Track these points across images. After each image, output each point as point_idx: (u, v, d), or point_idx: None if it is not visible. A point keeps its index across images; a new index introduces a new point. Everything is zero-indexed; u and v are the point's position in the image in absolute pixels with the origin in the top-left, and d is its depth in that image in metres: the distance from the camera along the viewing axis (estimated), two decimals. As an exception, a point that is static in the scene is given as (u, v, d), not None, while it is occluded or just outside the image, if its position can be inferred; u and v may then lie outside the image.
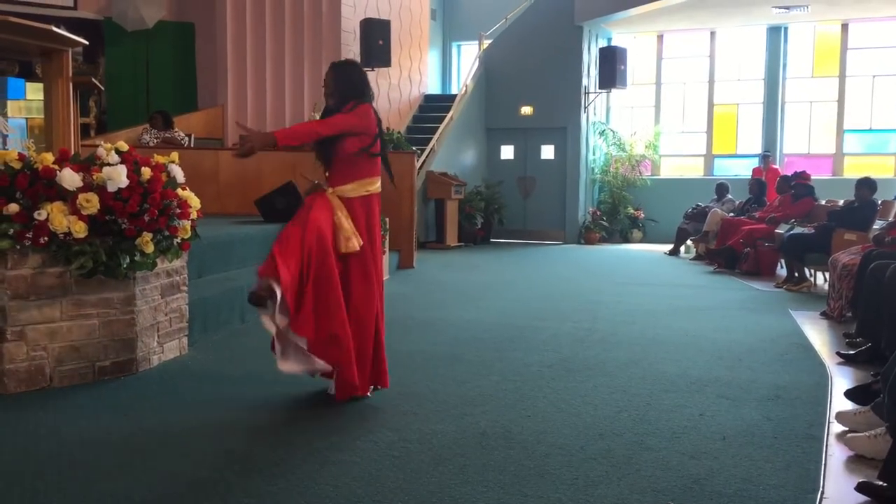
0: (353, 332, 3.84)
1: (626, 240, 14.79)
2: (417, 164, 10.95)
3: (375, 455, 3.17)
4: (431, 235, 12.90)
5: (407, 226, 9.64)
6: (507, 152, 15.36)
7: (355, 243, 3.89)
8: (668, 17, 14.06)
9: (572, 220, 14.76)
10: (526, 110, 14.87)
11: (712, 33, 14.97)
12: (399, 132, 12.66)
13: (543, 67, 14.57)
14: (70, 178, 3.98)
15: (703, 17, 14.25)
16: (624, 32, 15.27)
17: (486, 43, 15.27)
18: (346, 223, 3.92)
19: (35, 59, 5.39)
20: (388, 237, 8.62)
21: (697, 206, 12.41)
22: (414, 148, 11.70)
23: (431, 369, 4.66)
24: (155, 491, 2.77)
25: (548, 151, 15.06)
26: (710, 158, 15.24)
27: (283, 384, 4.19)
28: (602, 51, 14.60)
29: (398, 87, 14.61)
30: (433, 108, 15.04)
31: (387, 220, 8.61)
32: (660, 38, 15.40)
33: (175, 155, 4.75)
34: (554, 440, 3.39)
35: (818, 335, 5.89)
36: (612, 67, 14.23)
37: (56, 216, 3.95)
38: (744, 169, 14.47)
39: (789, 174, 10.99)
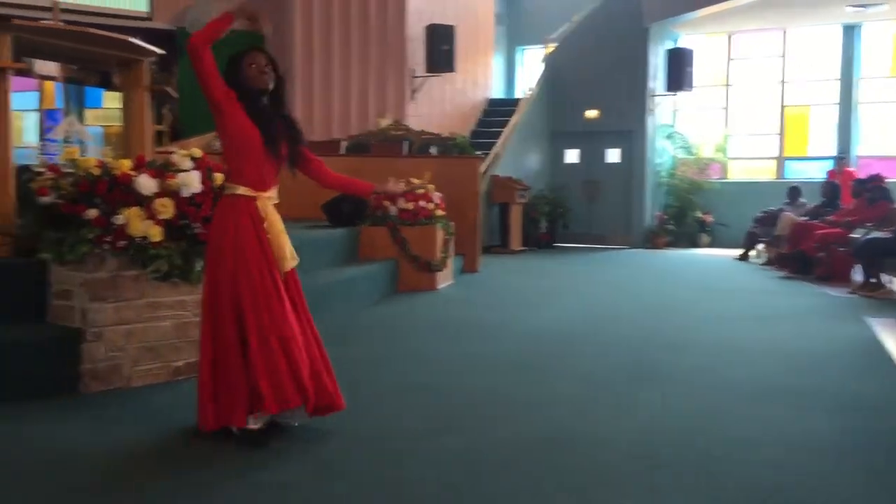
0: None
1: (694, 244, 14.53)
2: (482, 169, 10.96)
3: (443, 458, 3.18)
4: (496, 240, 12.89)
5: (471, 230, 9.65)
6: (571, 156, 15.26)
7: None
8: (738, 17, 13.79)
9: (638, 224, 14.58)
10: (591, 114, 14.75)
11: (784, 33, 14.62)
12: (464, 136, 12.67)
13: (609, 70, 14.44)
14: (147, 184, 4.10)
15: (774, 17, 13.94)
16: (692, 34, 15.03)
17: (551, 46, 15.20)
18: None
19: (113, 69, 5.57)
20: (452, 241, 8.66)
21: (768, 209, 12.12)
22: (478, 152, 11.70)
23: (496, 374, 4.66)
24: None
25: (613, 155, 14.92)
26: (781, 161, 14.88)
27: (350, 389, 4.24)
28: (670, 52, 14.41)
29: (463, 92, 14.65)
30: (497, 112, 15.04)
31: (452, 223, 8.66)
32: (729, 38, 15.11)
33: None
34: (619, 447, 3.35)
35: (897, 343, 5.70)
36: (679, 69, 14.04)
37: (133, 221, 4.08)
38: (816, 172, 14.07)
39: (864, 177, 10.65)
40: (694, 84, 14.28)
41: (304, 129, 12.61)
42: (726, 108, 15.20)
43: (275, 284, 3.37)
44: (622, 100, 14.42)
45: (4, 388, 3.81)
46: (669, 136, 15.05)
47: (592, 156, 15.07)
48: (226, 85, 3.39)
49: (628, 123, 14.48)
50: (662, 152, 15.04)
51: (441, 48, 12.77)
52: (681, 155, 15.03)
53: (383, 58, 13.01)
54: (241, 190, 3.40)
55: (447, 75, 13.46)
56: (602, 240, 14.79)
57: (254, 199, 3.41)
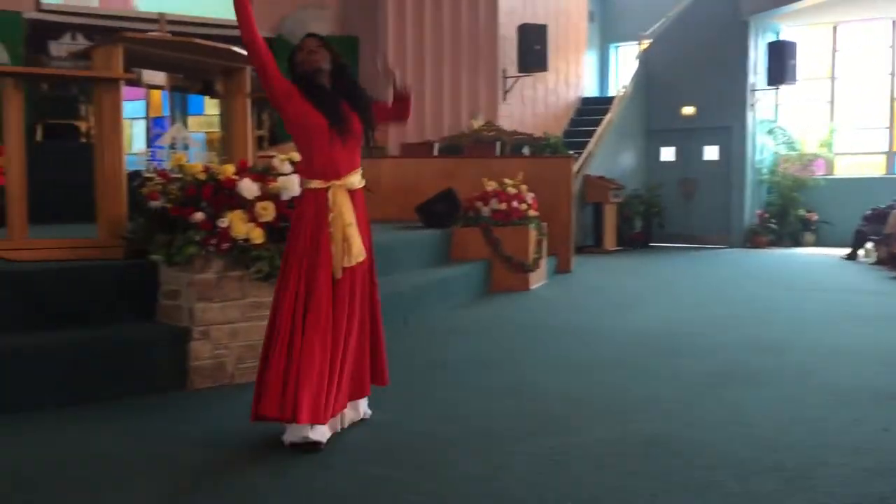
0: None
1: (797, 243, 14.03)
2: (575, 169, 10.86)
3: (538, 459, 3.18)
4: (589, 240, 12.76)
5: (564, 230, 9.58)
6: (667, 154, 14.96)
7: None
8: (844, 6, 13.26)
9: (738, 222, 14.17)
10: (688, 110, 14.42)
11: (892, 23, 13.95)
12: (556, 136, 12.60)
13: (706, 65, 14.08)
14: (249, 187, 4.24)
15: (883, 6, 13.33)
16: (794, 25, 14.51)
17: (646, 43, 14.94)
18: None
19: (216, 77, 5.78)
20: (545, 241, 8.62)
21: (877, 206, 11.58)
22: (571, 152, 11.61)
23: (592, 375, 4.62)
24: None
25: (711, 152, 14.55)
26: (891, 156, 14.20)
27: (444, 389, 4.28)
28: (770, 45, 13.95)
29: (555, 92, 14.56)
30: (591, 111, 14.89)
31: (545, 224, 8.62)
32: (834, 29, 14.52)
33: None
34: (721, 451, 3.27)
35: None
36: (781, 62, 13.58)
37: (236, 223, 4.22)
38: (931, 166, 13.37)
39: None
40: (797, 77, 13.78)
41: (398, 132, 12.91)
42: (832, 102, 14.61)
43: (313, 285, 3.27)
44: (720, 95, 14.04)
45: (117, 384, 4.01)
46: (771, 132, 14.57)
47: (689, 153, 14.73)
48: (283, 78, 3.37)
49: (727, 119, 14.09)
50: (763, 148, 14.57)
51: (533, 48, 12.72)
52: (783, 151, 14.53)
53: (475, 59, 13.06)
54: (314, 184, 3.35)
55: (539, 75, 13.41)
56: (699, 239, 14.44)
57: (325, 189, 3.33)
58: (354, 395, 3.55)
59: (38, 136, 10.78)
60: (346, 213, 3.33)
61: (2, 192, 4.58)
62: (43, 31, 12.79)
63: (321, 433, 3.24)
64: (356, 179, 3.43)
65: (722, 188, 14.32)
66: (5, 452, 3.23)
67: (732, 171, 14.20)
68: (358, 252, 3.35)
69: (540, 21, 13.36)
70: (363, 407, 3.65)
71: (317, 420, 3.19)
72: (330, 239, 3.30)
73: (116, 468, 3.07)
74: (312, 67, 3.38)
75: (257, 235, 4.26)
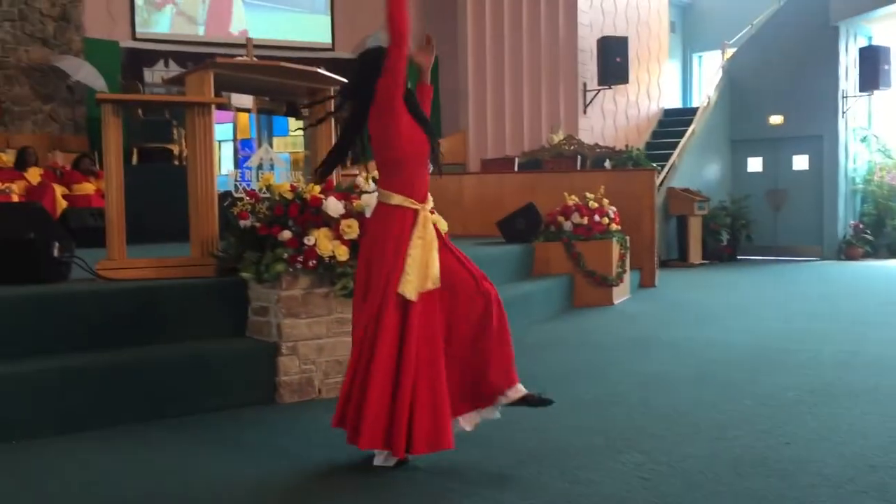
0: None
1: (895, 255, 13.45)
2: (658, 181, 10.70)
3: (624, 476, 3.13)
4: (673, 253, 12.52)
5: (648, 244, 9.43)
6: (754, 164, 14.58)
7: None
8: (940, 8, 12.70)
9: (830, 234, 13.68)
10: (776, 119, 14.04)
11: None
12: (638, 148, 12.46)
13: (795, 73, 13.69)
14: (334, 206, 4.33)
15: (983, 5, 12.72)
16: (887, 29, 13.97)
17: (730, 52, 14.64)
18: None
19: (302, 98, 5.93)
20: (628, 255, 8.51)
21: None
22: (654, 164, 11.45)
23: (678, 391, 4.53)
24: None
25: (801, 162, 14.11)
26: None
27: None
28: (862, 51, 13.48)
29: (636, 104, 14.40)
30: (673, 122, 14.66)
31: (627, 238, 8.51)
32: (931, 31, 13.93)
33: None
34: (818, 470, 3.16)
35: None
36: (874, 68, 13.10)
37: (322, 241, 4.32)
38: None
39: None
40: (891, 83, 13.26)
41: (478, 148, 13.05)
42: (930, 107, 14.01)
43: (382, 309, 3.14)
44: (810, 103, 13.61)
45: (210, 398, 4.14)
46: (864, 140, 14.05)
47: (777, 163, 14.33)
48: None
49: (817, 128, 13.65)
50: (857, 157, 14.06)
51: (614, 60, 12.62)
52: (878, 159, 13.98)
53: (555, 72, 13.04)
54: (406, 202, 3.19)
55: (620, 87, 13.29)
56: (790, 251, 14.00)
57: (414, 210, 3.19)
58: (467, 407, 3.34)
59: (134, 159, 11.25)
60: (433, 240, 3.22)
61: (101, 214, 4.80)
62: (138, 59, 13.39)
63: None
64: (430, 205, 3.33)
65: (813, 198, 13.86)
66: (109, 465, 3.37)
67: (824, 181, 13.73)
68: (435, 278, 3.21)
69: (620, 33, 13.25)
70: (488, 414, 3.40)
71: (432, 449, 3.13)
72: (408, 261, 3.16)
73: (218, 474, 3.16)
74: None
75: (342, 253, 4.35)
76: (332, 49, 14.00)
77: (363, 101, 3.25)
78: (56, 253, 4.52)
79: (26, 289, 4.18)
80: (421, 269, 3.17)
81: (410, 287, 3.13)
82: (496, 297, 3.38)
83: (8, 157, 10.72)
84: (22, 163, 10.39)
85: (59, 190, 9.95)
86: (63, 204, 9.70)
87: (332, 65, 12.48)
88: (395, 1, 3.14)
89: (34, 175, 10.27)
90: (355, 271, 3.40)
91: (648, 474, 3.14)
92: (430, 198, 3.30)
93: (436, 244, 3.23)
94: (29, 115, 12.45)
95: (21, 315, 3.99)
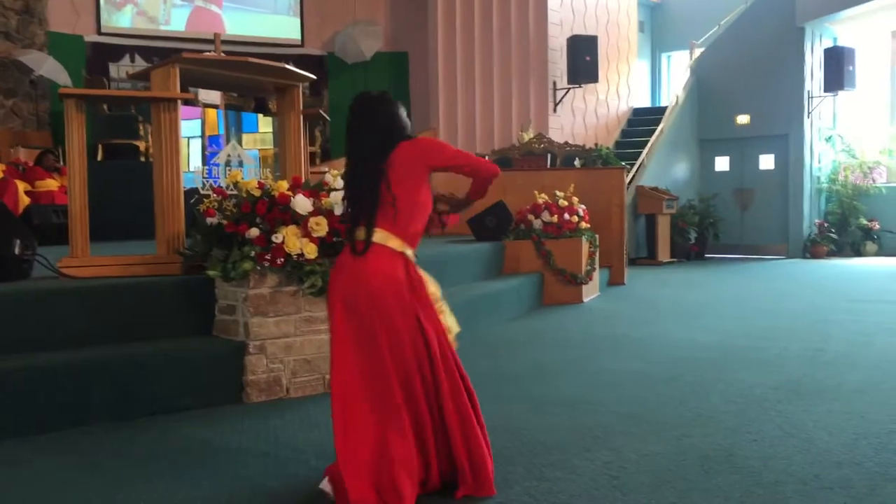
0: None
1: (859, 253, 13.67)
2: (627, 179, 10.76)
3: (592, 474, 3.14)
4: (642, 252, 12.62)
5: (617, 242, 9.49)
6: (722, 164, 14.73)
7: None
8: (903, 10, 12.91)
9: (796, 232, 13.87)
10: (743, 119, 14.20)
11: (957, 24, 13.56)
12: (607, 147, 12.52)
13: (761, 73, 13.85)
14: (302, 203, 4.29)
15: (944, 8, 12.96)
16: (851, 31, 14.18)
17: (698, 51, 14.77)
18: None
19: (270, 94, 5.88)
20: (597, 253, 8.54)
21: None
22: (623, 163, 11.52)
23: (646, 389, 4.55)
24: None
25: (767, 161, 14.28)
26: (956, 162, 13.77)
27: (498, 402, 4.26)
28: (827, 52, 13.67)
29: (605, 103, 14.48)
30: (642, 121, 14.76)
31: (597, 236, 8.55)
32: (893, 35, 14.16)
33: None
34: (784, 467, 3.18)
35: None
36: (838, 69, 13.28)
37: (290, 239, 4.27)
38: None
39: None
40: (856, 84, 13.46)
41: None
42: (892, 108, 14.23)
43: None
44: (776, 103, 13.79)
45: (177, 398, 4.08)
46: (829, 139, 14.25)
47: (744, 162, 14.49)
48: None
49: (783, 127, 13.83)
50: (822, 156, 14.26)
51: (584, 59, 12.66)
52: (843, 159, 14.20)
53: (525, 71, 13.06)
54: (409, 252, 2.97)
55: (590, 86, 13.34)
56: (756, 250, 14.17)
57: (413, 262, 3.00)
58: None
59: (99, 155, 11.09)
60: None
61: (64, 211, 4.71)
62: (103, 54, 13.18)
63: None
64: None
65: (779, 198, 14.04)
66: (69, 465, 3.30)
67: (790, 180, 13.91)
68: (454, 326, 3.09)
69: (590, 32, 13.31)
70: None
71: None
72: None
73: (179, 470, 3.12)
74: None
75: (311, 250, 4.31)
76: (302, 45, 13.90)
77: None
78: (17, 251, 4.43)
79: (-14, 287, 4.10)
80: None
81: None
82: None
83: (-31, 153, 10.51)
84: (-17, 158, 10.18)
85: (21, 186, 9.76)
86: (26, 200, 9.52)
87: (302, 61, 12.41)
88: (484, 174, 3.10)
89: (-4, 171, 10.07)
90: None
91: (616, 472, 3.15)
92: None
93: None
94: (-10, 110, 12.22)
95: (-20, 314, 3.90)
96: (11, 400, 3.64)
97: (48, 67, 12.01)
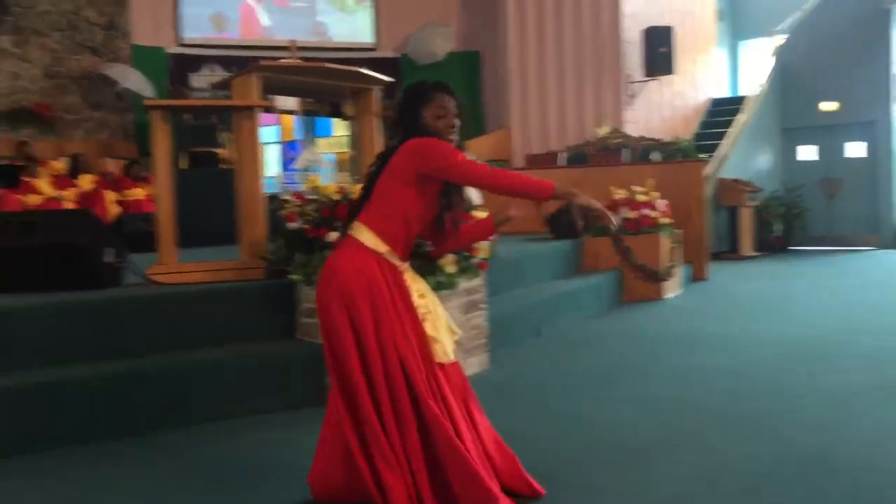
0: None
1: (957, 242, 13.04)
2: (707, 173, 10.49)
3: (684, 477, 3.06)
4: (724, 245, 12.29)
5: (698, 236, 9.27)
6: (807, 153, 14.24)
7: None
8: None
9: (888, 222, 13.30)
10: (828, 106, 13.69)
11: None
12: (686, 140, 12.24)
13: (847, 58, 13.33)
14: (381, 206, 4.30)
15: None
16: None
17: (779, 38, 14.32)
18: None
19: (346, 99, 5.93)
20: (678, 249, 8.36)
21: None
22: (703, 155, 11.24)
23: (735, 387, 4.41)
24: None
25: (855, 149, 13.74)
26: None
27: (580, 401, 4.20)
28: (916, 33, 13.06)
29: (683, 94, 14.15)
30: (721, 112, 14.37)
31: (677, 231, 8.37)
32: None
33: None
34: (888, 470, 3.04)
35: None
36: (928, 50, 12.68)
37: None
38: None
39: None
40: (949, 64, 12.84)
41: (523, 143, 12.88)
42: None
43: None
44: (861, 89, 13.25)
45: (261, 400, 4.15)
46: (921, 124, 13.64)
47: (831, 151, 13.97)
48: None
49: (869, 113, 13.28)
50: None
51: (659, 50, 12.41)
52: (937, 143, 13.57)
53: (599, 65, 12.87)
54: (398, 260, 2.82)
55: (666, 78, 13.07)
56: (844, 241, 13.64)
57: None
58: None
59: (182, 164, 11.41)
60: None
61: (152, 219, 4.85)
62: (183, 65, 13.57)
63: None
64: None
65: (869, 186, 13.49)
66: (159, 466, 3.39)
67: (880, 168, 13.35)
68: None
69: (665, 23, 13.03)
70: None
71: None
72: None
73: (269, 475, 3.17)
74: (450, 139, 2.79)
75: (390, 253, 4.32)
76: (375, 49, 14.03)
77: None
78: (109, 259, 4.58)
79: (81, 295, 4.25)
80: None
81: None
82: None
83: (61, 165, 10.95)
84: (74, 170, 10.59)
85: (110, 196, 10.13)
86: (115, 210, 9.86)
87: (376, 64, 12.50)
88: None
89: (86, 182, 10.46)
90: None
91: (710, 474, 3.06)
92: None
93: None
94: (80, 123, 12.71)
95: (76, 321, 4.05)
96: (107, 403, 3.76)
97: (133, 80, 12.43)
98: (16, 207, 8.83)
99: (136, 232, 8.09)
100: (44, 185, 10.05)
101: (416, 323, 2.76)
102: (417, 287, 2.84)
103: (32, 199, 9.43)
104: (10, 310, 3.97)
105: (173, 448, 3.63)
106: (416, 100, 2.79)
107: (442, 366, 2.79)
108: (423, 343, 2.75)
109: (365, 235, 2.75)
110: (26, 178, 9.53)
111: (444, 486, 2.66)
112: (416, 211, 2.76)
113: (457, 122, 2.78)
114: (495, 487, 2.69)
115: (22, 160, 10.22)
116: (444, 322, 2.86)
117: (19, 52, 12.01)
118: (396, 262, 2.78)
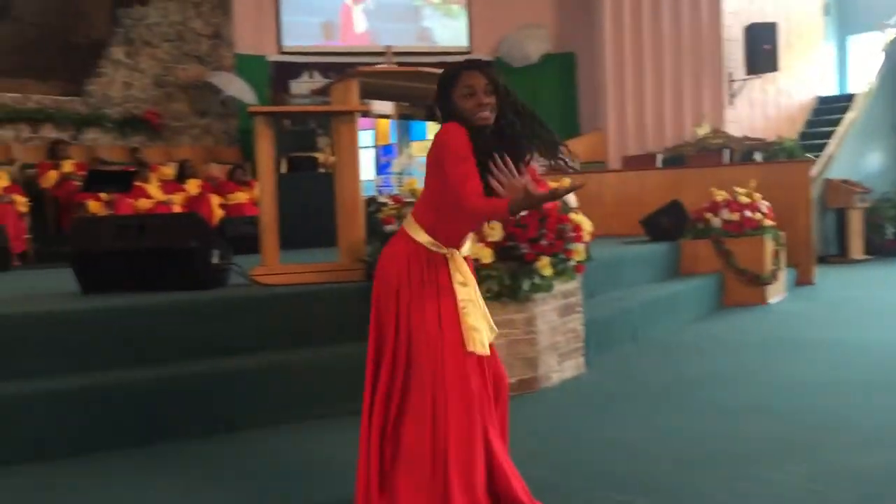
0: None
1: None
2: (814, 173, 10.11)
3: (790, 487, 2.95)
4: (832, 249, 11.79)
5: (804, 239, 8.93)
6: (921, 152, 13.52)
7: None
8: None
9: None
10: (945, 102, 12.99)
11: None
12: (791, 139, 11.82)
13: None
14: (477, 208, 4.32)
15: None
16: None
17: (891, 33, 13.65)
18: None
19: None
20: (783, 252, 8.08)
21: None
22: (808, 155, 10.84)
23: (844, 397, 4.23)
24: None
25: (978, 146, 12.97)
26: None
27: (680, 408, 4.11)
28: None
29: (787, 92, 13.68)
30: (829, 110, 13.81)
31: (782, 233, 8.10)
32: None
33: (566, 181, 4.93)
34: None
35: None
36: None
37: (467, 244, 4.32)
38: None
39: None
40: None
41: (619, 145, 12.76)
42: None
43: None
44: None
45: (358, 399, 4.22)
46: None
47: (948, 150, 13.22)
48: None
49: None
50: None
51: (762, 47, 12.04)
52: None
53: (698, 64, 12.59)
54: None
55: (769, 75, 12.67)
56: (966, 244, 12.88)
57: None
58: None
59: (282, 168, 11.73)
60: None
61: (254, 221, 5.01)
62: (284, 72, 13.97)
63: None
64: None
65: None
66: (258, 462, 3.50)
67: None
68: None
69: (769, 19, 12.62)
70: None
71: None
72: None
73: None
74: (478, 126, 2.58)
75: (487, 255, 4.34)
76: (469, 52, 14.09)
77: None
78: (215, 260, 4.75)
79: (188, 295, 4.41)
80: None
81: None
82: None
83: (169, 170, 11.43)
84: (181, 175, 11.05)
85: (215, 200, 10.51)
86: (219, 213, 10.23)
87: (470, 68, 12.58)
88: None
89: (193, 186, 10.90)
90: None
91: (819, 486, 2.94)
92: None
93: None
94: (186, 130, 13.25)
95: (185, 320, 4.20)
96: (210, 400, 3.90)
97: (236, 87, 12.88)
98: (128, 211, 9.27)
99: (238, 234, 8.38)
100: (153, 189, 10.51)
101: (452, 310, 2.66)
102: (461, 274, 2.71)
103: (143, 203, 9.89)
104: (131, 308, 4.13)
105: (281, 444, 3.73)
106: (445, 84, 2.64)
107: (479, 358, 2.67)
108: (456, 330, 2.64)
109: (410, 226, 2.72)
110: (138, 183, 9.99)
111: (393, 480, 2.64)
112: (446, 199, 2.60)
113: (488, 100, 2.56)
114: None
115: (134, 166, 10.72)
116: (483, 314, 2.73)
117: (131, 62, 12.61)
118: (439, 249, 2.69)
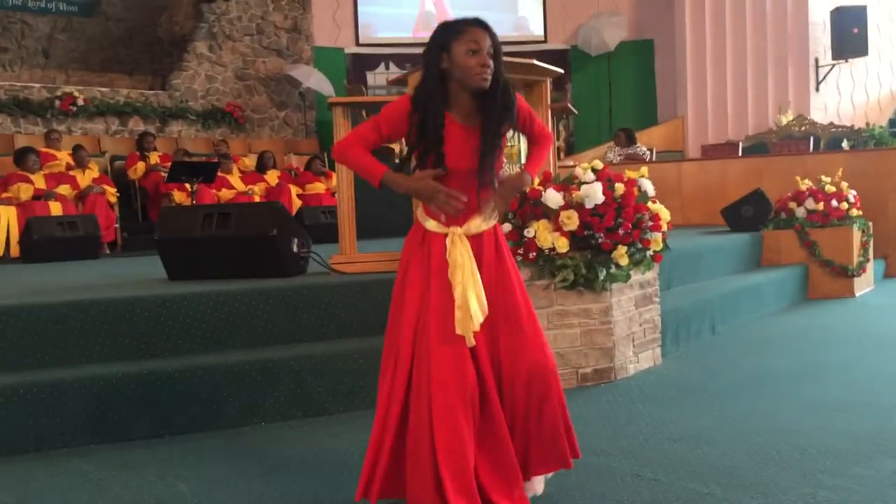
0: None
1: None
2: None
3: (878, 484, 2.86)
4: (924, 240, 11.32)
5: (893, 229, 8.60)
6: None
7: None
8: None
9: None
10: None
11: None
12: (881, 126, 11.38)
13: None
14: (553, 197, 4.31)
15: None
16: None
17: None
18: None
19: (517, 91, 5.94)
20: (871, 243, 7.80)
21: None
22: (900, 142, 10.42)
23: (938, 393, 4.07)
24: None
25: None
26: None
27: (765, 403, 4.03)
28: None
29: (877, 78, 13.17)
30: (922, 95, 13.26)
31: (870, 224, 7.82)
32: None
33: (644, 169, 4.87)
34: None
35: None
36: None
37: (542, 233, 4.31)
38: None
39: None
40: None
41: (698, 133, 12.49)
42: None
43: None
44: None
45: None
46: None
47: None
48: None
49: None
50: None
51: (850, 31, 11.61)
52: None
53: (782, 49, 12.23)
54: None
55: (858, 60, 12.21)
56: None
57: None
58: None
59: (359, 159, 11.88)
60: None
61: (331, 211, 5.09)
62: (361, 64, 14.13)
63: None
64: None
65: None
66: (314, 447, 3.57)
67: None
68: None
69: (858, 2, 12.15)
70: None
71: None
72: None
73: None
74: (477, 87, 2.55)
75: (562, 244, 4.32)
76: (545, 41, 13.99)
77: None
78: (295, 248, 4.86)
79: (270, 282, 4.52)
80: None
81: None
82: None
83: (250, 161, 11.71)
84: (262, 166, 11.30)
85: (293, 190, 10.72)
86: (298, 203, 10.43)
87: (545, 56, 12.48)
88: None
89: (272, 177, 11.14)
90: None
91: (907, 484, 2.85)
92: None
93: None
94: (266, 122, 13.54)
95: (268, 306, 4.31)
96: (290, 387, 3.98)
97: (314, 80, 13.10)
98: (211, 201, 9.54)
99: (316, 224, 8.53)
100: (235, 180, 10.78)
101: (445, 291, 2.60)
102: (456, 254, 2.58)
103: (225, 194, 10.16)
104: (218, 294, 4.22)
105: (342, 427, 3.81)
106: (449, 33, 2.52)
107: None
108: (449, 311, 2.57)
109: (418, 208, 2.74)
110: (221, 174, 10.26)
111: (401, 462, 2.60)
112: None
113: (490, 63, 2.49)
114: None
115: (217, 157, 11.02)
116: (473, 296, 2.56)
117: (213, 56, 12.94)
118: (440, 230, 2.64)
